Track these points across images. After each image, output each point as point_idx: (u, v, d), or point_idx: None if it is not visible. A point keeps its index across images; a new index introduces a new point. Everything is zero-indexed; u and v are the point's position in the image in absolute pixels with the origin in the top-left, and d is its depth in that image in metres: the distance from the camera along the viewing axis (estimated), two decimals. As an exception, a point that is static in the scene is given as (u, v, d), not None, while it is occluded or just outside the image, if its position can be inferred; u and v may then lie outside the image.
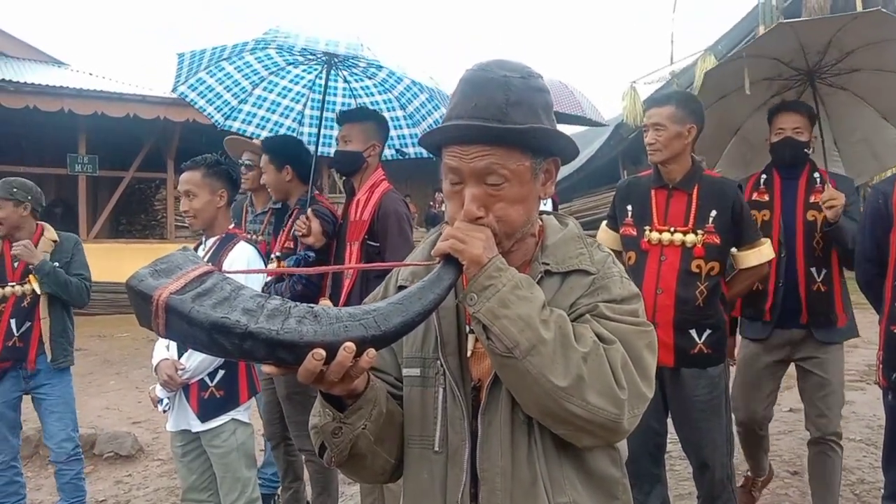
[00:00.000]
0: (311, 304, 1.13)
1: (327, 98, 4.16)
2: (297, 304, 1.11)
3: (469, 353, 1.36)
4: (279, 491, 4.19)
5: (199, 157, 3.10)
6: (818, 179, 3.39)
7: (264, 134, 4.23)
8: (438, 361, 1.36)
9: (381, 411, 1.30)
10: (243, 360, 1.13)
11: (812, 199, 3.37)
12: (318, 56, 3.89)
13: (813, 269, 3.34)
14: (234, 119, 4.19)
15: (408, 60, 3.94)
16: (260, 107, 4.21)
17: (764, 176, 3.50)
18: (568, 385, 1.19)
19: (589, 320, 1.29)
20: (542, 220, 1.44)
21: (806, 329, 3.36)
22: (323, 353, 1.07)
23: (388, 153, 4.19)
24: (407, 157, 4.24)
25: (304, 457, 3.81)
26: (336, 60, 3.89)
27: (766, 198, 3.45)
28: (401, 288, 1.38)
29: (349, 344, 1.09)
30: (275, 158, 3.70)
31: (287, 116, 4.28)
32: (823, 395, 3.38)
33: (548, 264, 1.35)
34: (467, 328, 1.36)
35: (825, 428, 3.35)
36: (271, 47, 3.88)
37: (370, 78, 4.09)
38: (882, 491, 3.93)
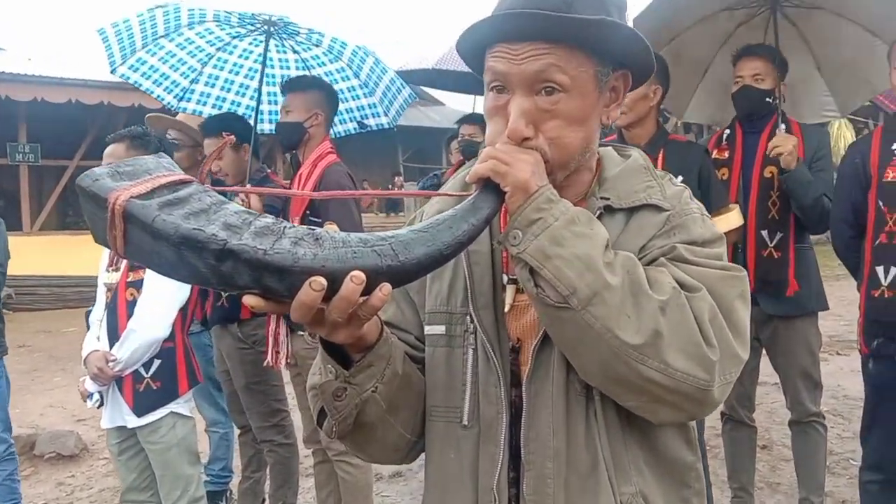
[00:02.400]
0: (312, 227, 0.88)
1: (282, 72, 4.03)
2: (295, 224, 0.87)
3: (507, 309, 1.13)
4: (231, 486, 3.99)
5: (123, 130, 2.88)
6: (784, 131, 3.05)
7: None
8: (468, 317, 1.13)
9: (396, 372, 1.06)
10: (221, 287, 0.81)
11: (773, 154, 3.01)
12: (259, 26, 3.72)
13: (765, 233, 3.05)
14: (188, 101, 3.99)
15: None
16: (213, 86, 4.03)
17: (728, 131, 3.24)
18: (642, 342, 0.94)
19: (665, 264, 1.04)
20: (599, 151, 1.19)
21: (753, 301, 3.10)
22: (323, 282, 0.82)
23: (349, 127, 4.05)
24: (368, 128, 4.07)
25: (265, 448, 3.63)
26: (275, 29, 3.71)
27: (726, 154, 3.18)
28: None
29: (357, 273, 0.83)
30: (233, 136, 3.47)
31: (244, 95, 4.09)
32: (794, 379, 3.16)
33: (608, 199, 1.11)
34: (505, 277, 1.13)
35: (801, 412, 3.17)
36: (209, 20, 3.72)
37: (317, 46, 3.90)
38: (853, 462, 3.91)
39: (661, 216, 1.10)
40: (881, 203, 2.65)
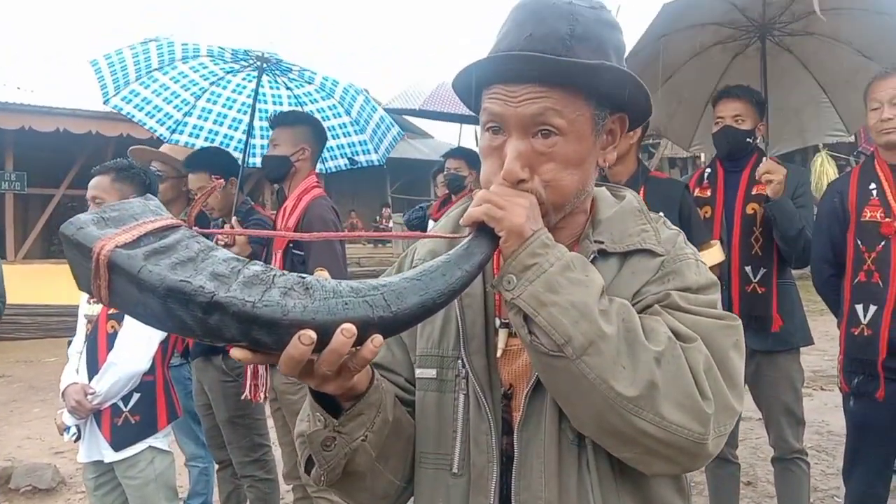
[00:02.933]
0: (303, 275, 0.86)
1: (274, 107, 4.09)
2: (285, 272, 0.85)
3: (499, 353, 1.11)
4: (210, 522, 3.92)
5: (108, 162, 2.88)
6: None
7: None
8: (460, 361, 1.11)
9: (387, 419, 1.04)
10: (208, 339, 0.78)
11: (754, 192, 3.09)
12: (251, 62, 3.80)
13: (748, 268, 3.08)
14: (181, 133, 4.04)
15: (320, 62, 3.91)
16: (206, 119, 4.08)
17: (708, 170, 3.30)
18: (637, 394, 0.92)
19: (660, 312, 1.02)
20: (592, 192, 1.17)
21: None
22: (313, 335, 0.80)
23: (340, 163, 4.10)
24: (358, 165, 4.11)
25: (246, 483, 3.59)
26: (268, 66, 3.78)
27: (709, 193, 3.22)
28: None
29: (348, 326, 0.82)
30: (219, 173, 3.51)
31: (236, 129, 4.14)
32: (777, 415, 3.15)
33: (602, 242, 1.09)
34: (498, 321, 1.11)
35: (784, 449, 3.15)
36: (203, 55, 3.80)
37: (309, 83, 3.98)
38: (837, 499, 3.89)
39: (655, 261, 1.08)
40: (859, 242, 2.68)
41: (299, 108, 3.98)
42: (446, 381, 1.13)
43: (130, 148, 4.13)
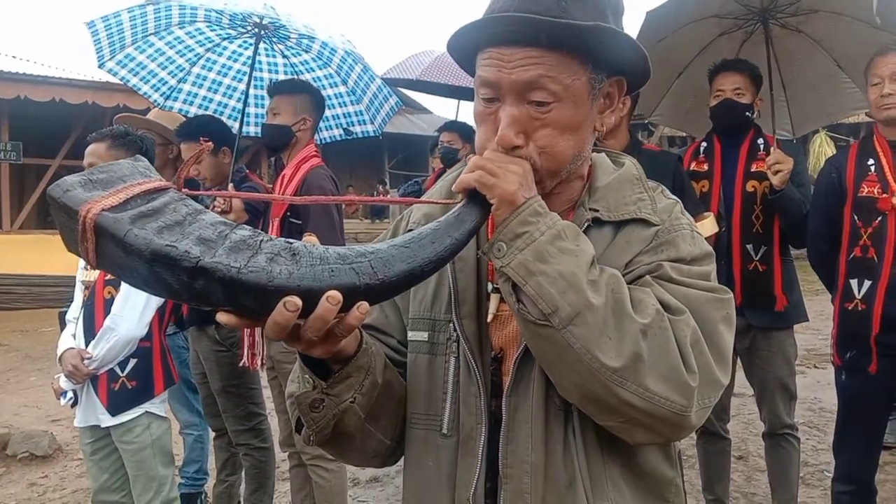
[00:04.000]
0: (291, 240, 0.85)
1: (270, 76, 4.04)
2: (273, 238, 0.85)
3: (490, 317, 1.10)
4: (206, 488, 3.95)
5: (104, 129, 2.86)
6: (762, 146, 3.10)
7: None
8: (451, 324, 1.11)
9: (376, 382, 1.05)
10: (196, 303, 0.81)
11: (754, 168, 3.07)
12: (249, 28, 3.74)
13: (750, 246, 3.06)
14: (175, 99, 4.00)
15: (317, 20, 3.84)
16: (200, 86, 4.04)
17: (704, 144, 3.24)
18: (621, 365, 0.93)
19: (650, 283, 1.02)
20: (591, 157, 1.16)
21: (739, 314, 2.95)
22: (298, 302, 0.80)
23: (335, 133, 4.07)
24: (354, 136, 4.08)
25: (241, 451, 3.61)
26: (266, 33, 3.73)
27: (706, 167, 3.18)
28: None
29: (333, 293, 0.82)
30: (211, 142, 3.46)
31: (231, 97, 4.10)
32: (771, 390, 3.17)
33: (597, 210, 1.09)
34: (490, 286, 1.11)
35: (776, 423, 3.18)
36: (200, 20, 3.73)
37: (307, 52, 3.94)
38: (827, 473, 3.94)
39: (649, 231, 1.08)
40: (856, 217, 2.69)
41: (296, 76, 3.94)
42: (438, 343, 1.13)
43: (116, 116, 4.10)
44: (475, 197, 0.98)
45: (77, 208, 0.80)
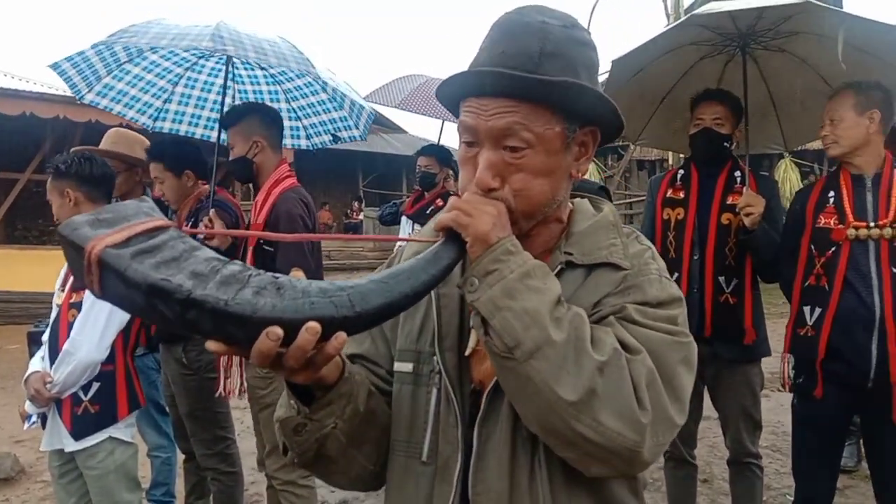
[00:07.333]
0: (277, 274, 0.93)
1: (252, 87, 4.07)
2: (261, 272, 0.92)
3: (469, 351, 1.17)
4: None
5: (60, 160, 2.86)
6: (738, 179, 3.13)
7: (199, 132, 4.09)
8: (435, 357, 1.17)
9: (357, 409, 1.11)
10: (189, 331, 0.90)
11: (729, 200, 3.09)
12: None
13: (722, 279, 3.09)
14: (164, 119, 4.04)
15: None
16: (186, 104, 4.07)
17: (682, 171, 3.28)
18: (577, 399, 0.98)
19: (613, 323, 1.07)
20: (573, 203, 1.23)
21: (708, 344, 3.04)
22: (279, 332, 0.87)
23: (325, 139, 4.10)
24: (342, 140, 4.12)
25: (209, 476, 3.60)
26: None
27: (682, 195, 3.20)
28: None
29: (313, 324, 0.89)
30: (173, 165, 3.47)
31: (218, 112, 4.02)
32: (735, 419, 3.19)
33: (571, 254, 1.15)
34: (472, 321, 1.15)
35: (740, 452, 3.21)
36: (165, 50, 3.73)
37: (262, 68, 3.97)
38: (789, 497, 4.00)
39: (618, 275, 1.13)
40: (812, 247, 2.77)
41: (277, 87, 4.00)
42: (422, 375, 1.19)
43: (72, 149, 4.07)
44: (452, 236, 1.05)
45: (83, 245, 0.88)
